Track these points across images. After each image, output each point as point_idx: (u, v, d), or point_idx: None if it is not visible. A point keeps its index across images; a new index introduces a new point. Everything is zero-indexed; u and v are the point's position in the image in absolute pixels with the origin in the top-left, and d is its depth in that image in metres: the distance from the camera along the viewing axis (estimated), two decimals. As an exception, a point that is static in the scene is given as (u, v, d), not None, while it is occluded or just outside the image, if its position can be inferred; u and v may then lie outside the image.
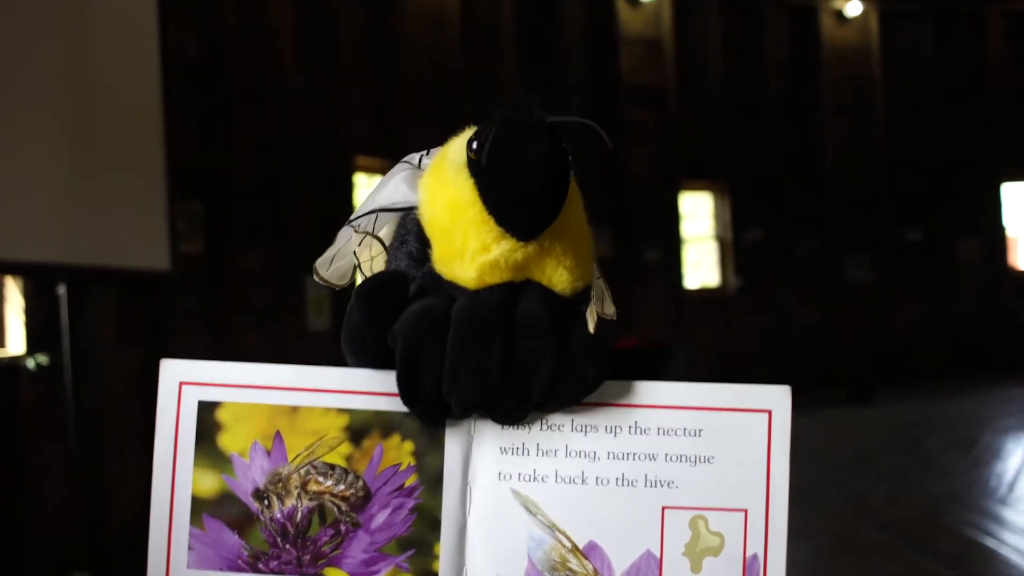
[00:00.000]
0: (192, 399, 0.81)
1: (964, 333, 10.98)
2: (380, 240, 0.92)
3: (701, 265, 10.42)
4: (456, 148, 0.82)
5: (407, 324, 0.78)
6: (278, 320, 6.52)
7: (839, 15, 10.79)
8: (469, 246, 0.78)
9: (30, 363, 4.77)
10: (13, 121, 4.25)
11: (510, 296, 0.79)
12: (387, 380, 0.80)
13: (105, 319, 5.34)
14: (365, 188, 7.66)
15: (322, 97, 7.03)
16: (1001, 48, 11.24)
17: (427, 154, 0.95)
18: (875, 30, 10.90)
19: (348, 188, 7.21)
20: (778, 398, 0.82)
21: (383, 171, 7.92)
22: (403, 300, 0.80)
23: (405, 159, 0.95)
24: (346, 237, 0.95)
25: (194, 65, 6.09)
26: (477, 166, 0.77)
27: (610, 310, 0.98)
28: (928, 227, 11.07)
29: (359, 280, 0.95)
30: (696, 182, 10.25)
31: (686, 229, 10.22)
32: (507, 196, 0.76)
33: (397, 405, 0.80)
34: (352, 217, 0.92)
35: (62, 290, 4.63)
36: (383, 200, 0.90)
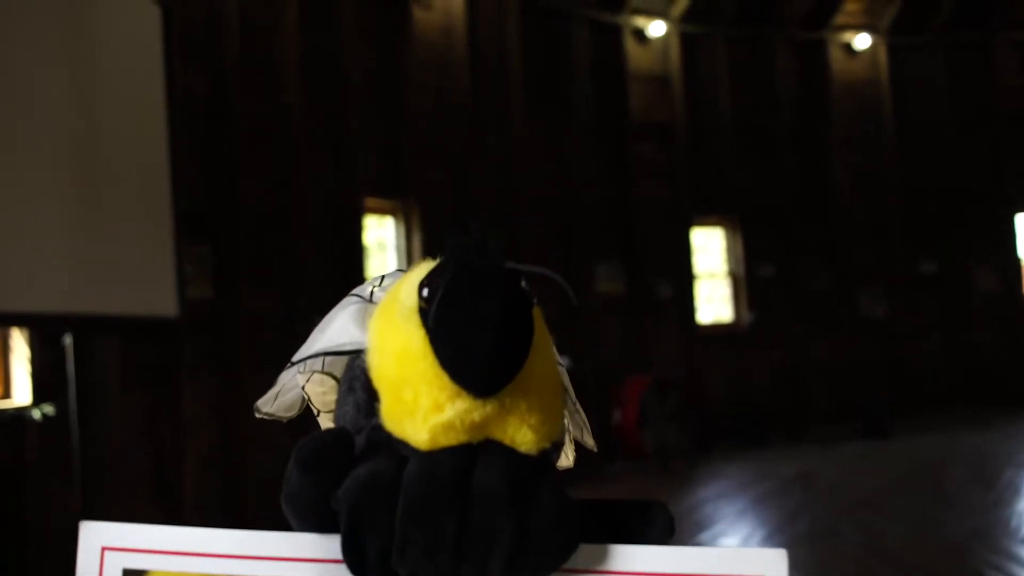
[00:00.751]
0: (116, 567, 0.73)
1: (981, 364, 10.86)
2: (333, 376, 0.86)
3: (714, 300, 10.36)
4: (407, 289, 0.74)
5: (351, 491, 0.71)
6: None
7: (848, 48, 10.75)
8: (421, 404, 0.71)
9: (36, 413, 4.75)
10: (17, 168, 4.23)
11: (467, 460, 0.71)
12: (334, 545, 0.72)
13: (111, 367, 5.32)
14: (375, 229, 7.63)
15: (329, 138, 7.01)
16: (1011, 77, 11.18)
17: (379, 285, 0.87)
18: (884, 62, 10.85)
19: (358, 229, 7.18)
20: (773, 563, 0.73)
21: (392, 212, 7.92)
22: (346, 460, 0.73)
23: (355, 291, 0.88)
24: (289, 376, 0.89)
25: (200, 108, 6.08)
26: (427, 316, 0.70)
27: (590, 442, 0.92)
28: (942, 258, 10.98)
29: (317, 415, 0.90)
30: (707, 217, 10.20)
31: (698, 264, 10.16)
32: (461, 352, 0.69)
33: (347, 574, 0.72)
34: (295, 359, 0.86)
35: (68, 340, 4.60)
36: (329, 341, 0.83)
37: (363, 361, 0.77)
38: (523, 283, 0.72)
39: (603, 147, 9.33)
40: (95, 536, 0.75)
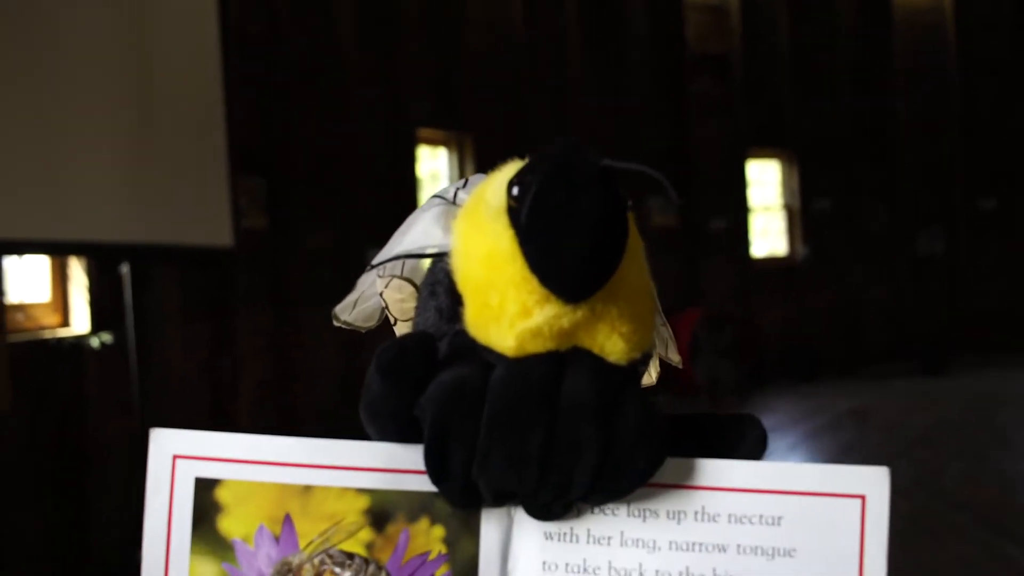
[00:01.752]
0: (188, 475, 0.70)
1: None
2: (412, 282, 0.82)
3: (768, 234, 10.23)
4: (494, 189, 0.69)
5: (436, 397, 0.67)
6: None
7: (911, -21, 10.48)
8: (508, 309, 0.66)
9: (95, 342, 4.80)
10: (73, 103, 4.26)
11: (555, 368, 0.67)
12: (414, 456, 0.68)
13: (169, 297, 5.36)
14: (427, 161, 7.60)
15: (382, 72, 6.97)
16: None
17: (463, 186, 0.83)
18: (949, -4, 10.57)
19: (411, 163, 7.16)
20: (874, 481, 0.69)
21: (446, 144, 7.89)
22: (429, 366, 0.69)
23: (438, 192, 0.84)
24: (369, 282, 0.86)
25: (254, 43, 6.06)
26: (518, 216, 0.66)
27: (675, 358, 0.89)
28: (1002, 196, 10.74)
29: (393, 323, 0.87)
30: (763, 150, 10.04)
31: (753, 198, 10.02)
32: (553, 254, 0.64)
33: (426, 484, 0.69)
34: (375, 261, 0.82)
35: (125, 269, 4.64)
36: (411, 243, 0.79)
37: (446, 264, 0.73)
38: (619, 184, 0.67)
39: (659, 80, 9.20)
40: (167, 443, 0.72)
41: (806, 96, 9.97)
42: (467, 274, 0.69)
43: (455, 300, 0.71)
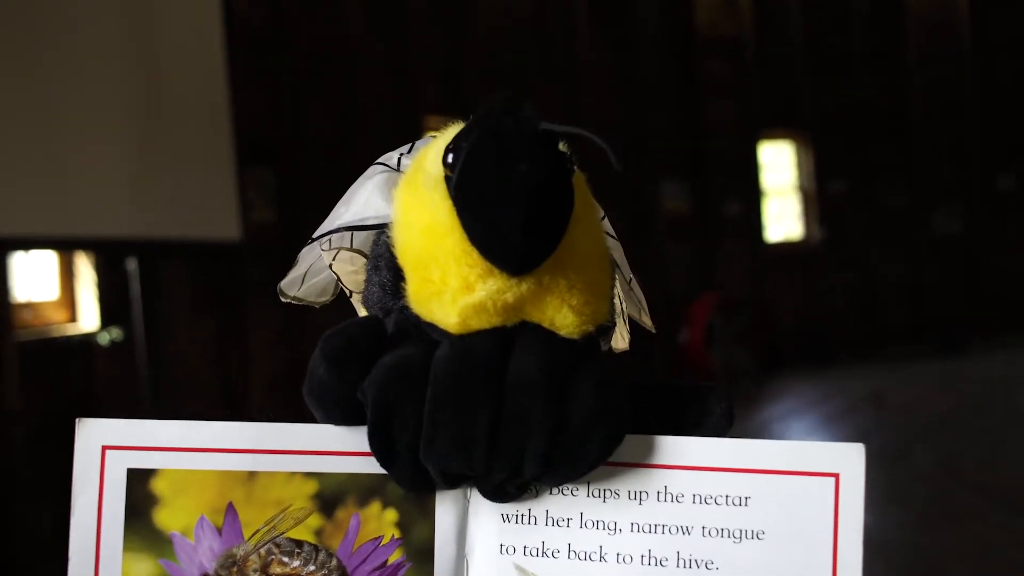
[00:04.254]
0: (119, 467, 0.66)
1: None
2: (363, 254, 0.78)
3: (783, 218, 10.15)
4: (433, 156, 0.66)
5: (379, 380, 0.65)
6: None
7: (924, -44, 10.37)
8: (449, 284, 0.63)
9: (103, 338, 4.79)
10: (79, 97, 4.25)
11: (501, 345, 0.64)
12: (363, 438, 0.66)
13: (177, 291, 5.35)
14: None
15: (391, 61, 6.94)
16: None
17: (408, 151, 0.79)
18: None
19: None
20: (848, 458, 0.66)
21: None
22: (376, 349, 0.66)
23: (381, 159, 0.80)
24: (315, 255, 0.82)
25: (260, 32, 6.04)
26: (452, 184, 0.62)
27: (647, 322, 0.85)
28: (1020, 174, 10.63)
29: (349, 295, 0.84)
30: (777, 131, 9.96)
31: (767, 181, 9.95)
32: (491, 225, 0.61)
33: (376, 467, 0.66)
34: (317, 233, 0.79)
35: (132, 264, 4.64)
36: (353, 215, 0.75)
37: (388, 236, 0.70)
38: (561, 146, 0.64)
39: (670, 63, 9.13)
40: (93, 434, 0.68)
41: (820, 77, 9.89)
42: (407, 247, 0.66)
43: (397, 275, 0.69)
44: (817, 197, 10.07)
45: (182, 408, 5.15)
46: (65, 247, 4.61)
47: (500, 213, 0.60)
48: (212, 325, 5.56)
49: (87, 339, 4.77)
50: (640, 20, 8.93)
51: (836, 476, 0.65)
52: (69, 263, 4.85)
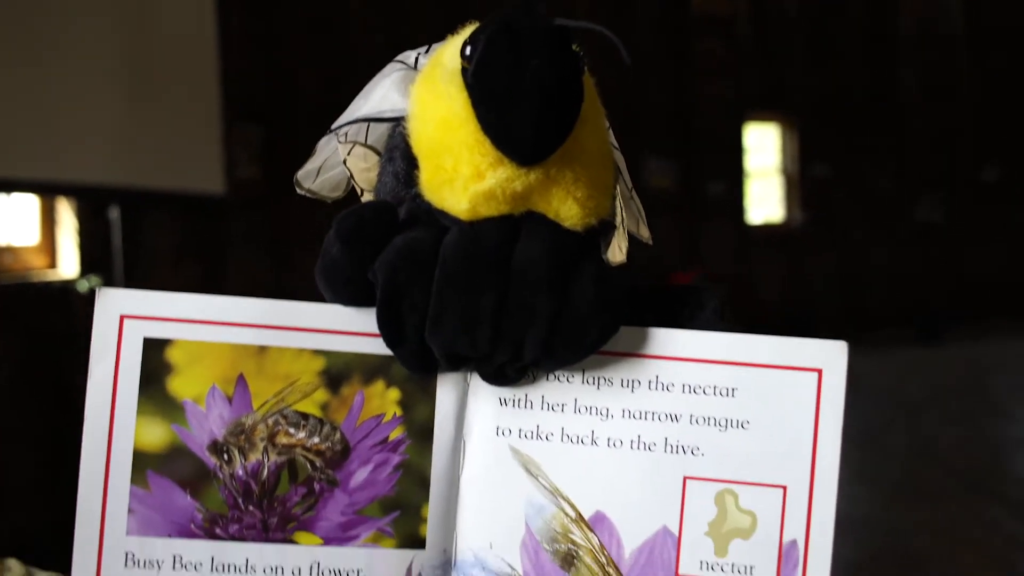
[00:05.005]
0: (136, 335, 0.68)
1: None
2: (375, 150, 0.80)
3: (766, 200, 10.18)
4: (451, 52, 0.69)
5: (388, 261, 0.67)
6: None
7: (920, -60, 10.40)
8: (461, 171, 0.66)
9: (82, 286, 4.77)
10: (67, 42, 4.22)
11: (509, 232, 0.67)
12: (370, 319, 0.68)
13: (159, 242, 5.33)
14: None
15: (386, 22, 6.91)
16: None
17: (426, 51, 0.82)
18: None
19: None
20: (831, 355, 0.69)
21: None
22: (387, 232, 0.69)
23: (399, 57, 0.83)
24: (331, 148, 0.84)
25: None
26: (468, 76, 0.65)
27: (645, 233, 0.87)
28: (1005, 166, 10.71)
29: (360, 194, 0.85)
30: (764, 113, 9.98)
31: (752, 163, 9.97)
32: (503, 116, 0.63)
33: (381, 348, 0.68)
34: (335, 125, 0.80)
35: (115, 212, 4.61)
36: (370, 108, 0.78)
37: (404, 129, 0.72)
38: (574, 46, 0.67)
39: (663, 40, 9.13)
40: (113, 303, 0.69)
41: (810, 61, 9.91)
42: (422, 137, 0.69)
43: (411, 164, 0.71)
44: (800, 181, 10.11)
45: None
46: (47, 192, 4.58)
47: (513, 105, 0.63)
48: (193, 277, 5.54)
49: (66, 286, 4.75)
50: (635, -3, 8.94)
51: (819, 371, 0.69)
52: (51, 209, 4.82)
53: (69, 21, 4.22)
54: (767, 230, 10.01)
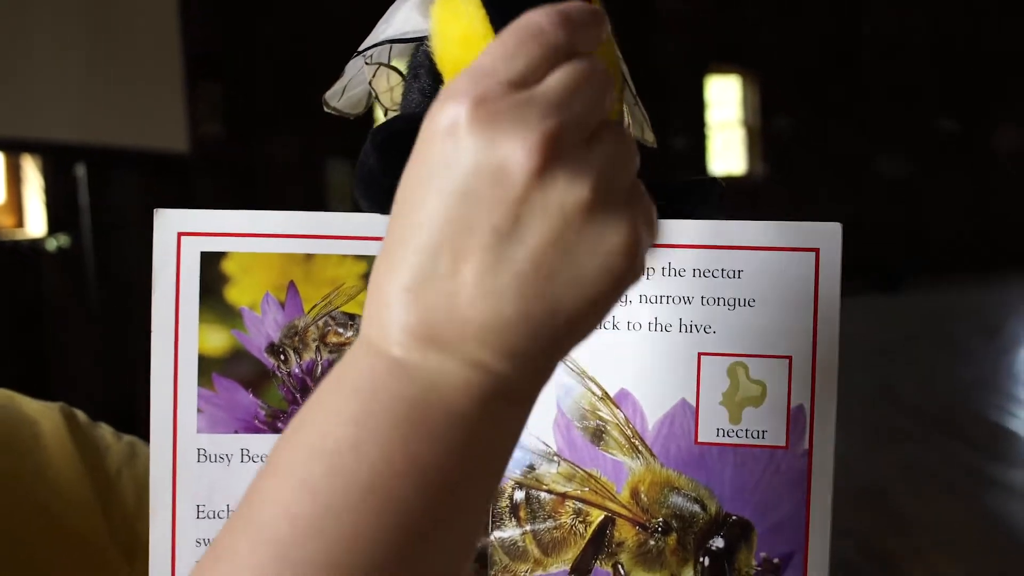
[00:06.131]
0: (193, 250, 0.73)
1: (1000, 225, 10.82)
2: (398, 70, 0.84)
3: (727, 152, 10.25)
4: None
5: None
6: (300, 203, 6.46)
7: None
8: None
9: (51, 244, 4.74)
10: (28, 1, 4.17)
11: None
12: None
13: (126, 200, 5.29)
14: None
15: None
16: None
17: None
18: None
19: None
20: (827, 235, 0.74)
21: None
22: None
23: None
24: (357, 67, 0.87)
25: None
26: None
27: (650, 137, 0.91)
28: (965, 120, 10.83)
29: (377, 110, 0.88)
30: (725, 66, 10.02)
31: (713, 116, 10.02)
32: None
33: None
34: (361, 47, 0.84)
35: (81, 170, 4.58)
36: (394, 31, 0.80)
37: (427, 47, 0.75)
38: None
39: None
40: (170, 222, 0.73)
41: (772, 14, 9.94)
42: (445, 55, 0.72)
43: (436, 80, 0.74)
44: (761, 134, 10.18)
45: (130, 317, 5.14)
46: (13, 149, 4.54)
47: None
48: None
49: (35, 245, 4.72)
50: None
51: (816, 251, 0.74)
52: (17, 168, 4.78)
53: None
54: (728, 183, 10.07)
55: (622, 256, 0.44)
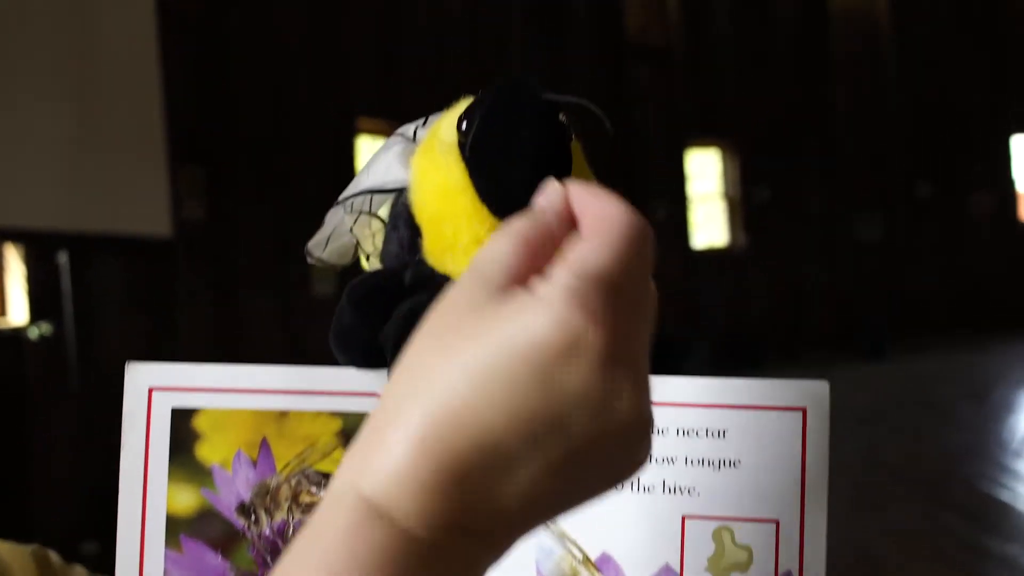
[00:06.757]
0: (164, 406, 0.72)
1: (978, 288, 10.88)
2: (380, 218, 0.84)
3: (709, 224, 10.31)
4: (447, 125, 0.73)
5: (397, 326, 0.70)
6: (283, 285, 6.46)
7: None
8: (461, 238, 0.69)
9: (33, 332, 4.72)
10: (13, 88, 4.20)
11: None
12: (383, 380, 0.71)
13: (108, 286, 5.28)
14: (367, 152, 7.57)
15: (325, 58, 6.93)
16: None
17: (423, 124, 0.87)
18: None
19: (351, 152, 7.13)
20: (814, 394, 0.72)
21: (387, 133, 7.93)
22: (395, 297, 0.73)
23: (399, 131, 0.87)
24: (338, 218, 0.88)
25: (192, 28, 5.99)
26: (465, 150, 0.69)
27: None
28: (939, 182, 10.94)
29: (362, 259, 0.89)
30: (703, 139, 10.12)
31: (693, 188, 10.09)
32: (499, 184, 0.67)
33: None
34: (342, 197, 0.85)
35: (63, 258, 4.58)
36: (375, 180, 0.81)
37: (406, 198, 0.75)
38: (561, 116, 0.70)
39: (600, 68, 9.23)
40: (141, 377, 0.74)
41: (746, 83, 10.06)
42: (423, 207, 0.72)
43: (414, 232, 0.74)
44: (742, 204, 10.25)
45: (113, 404, 5.09)
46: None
47: (507, 174, 0.66)
48: (144, 321, 5.50)
49: (17, 333, 4.70)
50: (572, 24, 9.03)
51: (803, 410, 0.72)
52: (-1, 255, 4.79)
53: (14, 67, 4.20)
54: (710, 255, 10.12)
55: (645, 455, 0.48)
